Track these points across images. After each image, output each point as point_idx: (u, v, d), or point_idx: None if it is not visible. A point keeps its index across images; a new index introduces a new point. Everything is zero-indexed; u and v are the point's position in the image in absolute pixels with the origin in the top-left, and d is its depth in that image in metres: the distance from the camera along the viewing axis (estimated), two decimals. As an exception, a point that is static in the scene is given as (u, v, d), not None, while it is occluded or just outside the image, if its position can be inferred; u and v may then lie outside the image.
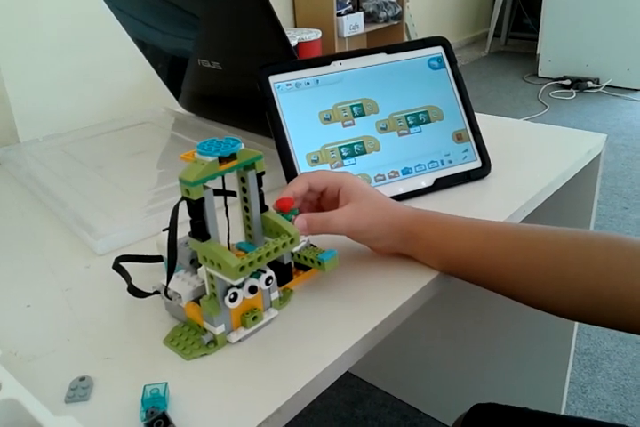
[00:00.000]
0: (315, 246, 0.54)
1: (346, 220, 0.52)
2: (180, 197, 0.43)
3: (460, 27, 4.59)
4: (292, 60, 0.68)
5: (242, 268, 0.42)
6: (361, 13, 3.16)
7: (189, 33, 0.85)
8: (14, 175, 0.82)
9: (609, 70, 3.43)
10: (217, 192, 0.45)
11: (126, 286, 0.52)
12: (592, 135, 0.83)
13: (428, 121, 0.71)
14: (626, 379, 1.34)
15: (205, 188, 0.43)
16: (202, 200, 0.43)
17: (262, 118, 0.66)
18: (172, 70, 0.98)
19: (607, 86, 3.42)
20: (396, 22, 3.41)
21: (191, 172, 0.42)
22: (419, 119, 0.71)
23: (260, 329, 0.49)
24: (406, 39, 3.60)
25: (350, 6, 3.15)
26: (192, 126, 0.95)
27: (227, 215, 0.46)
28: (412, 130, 0.71)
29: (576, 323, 1.01)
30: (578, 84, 3.44)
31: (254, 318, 0.48)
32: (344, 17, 3.07)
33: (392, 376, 1.35)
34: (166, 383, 0.42)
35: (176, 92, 1.03)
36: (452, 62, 0.74)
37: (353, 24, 3.11)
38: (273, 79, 0.66)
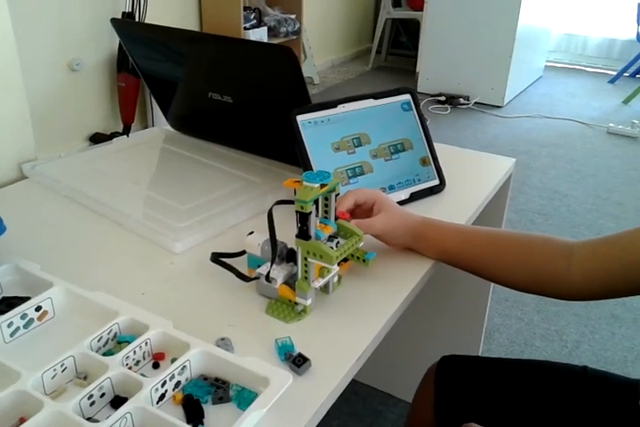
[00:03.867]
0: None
1: (381, 224, 0.75)
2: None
3: (346, 42, 4.95)
4: (310, 103, 0.89)
5: (337, 257, 0.64)
6: (265, 28, 3.38)
7: (201, 70, 1.03)
8: (53, 189, 0.94)
9: (477, 89, 3.95)
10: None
11: (209, 275, 0.71)
12: (506, 159, 1.13)
13: (404, 150, 0.96)
14: (512, 346, 1.70)
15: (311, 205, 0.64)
16: (310, 213, 0.63)
17: (257, 141, 0.88)
18: (168, 94, 1.14)
19: (476, 103, 3.93)
20: (294, 37, 3.66)
21: (305, 194, 0.62)
22: (397, 148, 0.96)
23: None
24: (302, 54, 3.87)
25: (255, 21, 3.35)
26: (190, 145, 1.12)
27: (319, 222, 0.67)
28: (393, 156, 0.95)
29: (488, 305, 1.32)
30: (452, 100, 3.93)
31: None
32: (250, 31, 3.26)
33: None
34: (289, 337, 0.62)
35: (165, 111, 1.19)
36: (417, 106, 0.99)
37: (258, 37, 3.31)
38: (299, 118, 0.87)
